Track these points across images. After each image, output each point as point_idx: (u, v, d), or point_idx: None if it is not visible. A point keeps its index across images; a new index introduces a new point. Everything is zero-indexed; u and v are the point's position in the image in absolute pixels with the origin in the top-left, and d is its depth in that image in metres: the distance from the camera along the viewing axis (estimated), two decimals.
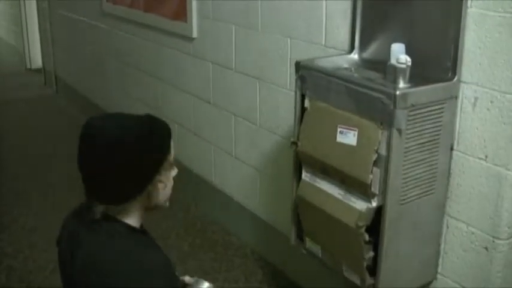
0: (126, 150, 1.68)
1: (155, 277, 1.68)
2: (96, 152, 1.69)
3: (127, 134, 1.70)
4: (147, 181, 1.74)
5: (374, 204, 2.29)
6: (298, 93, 2.60)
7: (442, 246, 2.54)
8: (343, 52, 2.84)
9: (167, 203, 1.86)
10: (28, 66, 9.09)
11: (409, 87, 2.21)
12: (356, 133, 2.29)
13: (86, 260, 1.72)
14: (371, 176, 2.25)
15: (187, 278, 2.11)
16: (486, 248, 2.37)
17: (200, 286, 2.08)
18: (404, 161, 2.23)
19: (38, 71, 8.71)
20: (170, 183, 1.83)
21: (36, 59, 8.83)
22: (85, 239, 1.76)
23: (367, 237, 2.33)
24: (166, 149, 1.79)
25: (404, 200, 2.29)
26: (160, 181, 1.77)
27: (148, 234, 1.89)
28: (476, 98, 2.30)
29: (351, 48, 2.77)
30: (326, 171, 2.48)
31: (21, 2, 8.77)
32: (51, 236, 4.07)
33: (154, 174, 1.75)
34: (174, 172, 1.84)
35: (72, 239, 1.80)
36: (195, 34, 4.16)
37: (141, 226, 1.86)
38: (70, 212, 1.90)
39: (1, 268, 3.85)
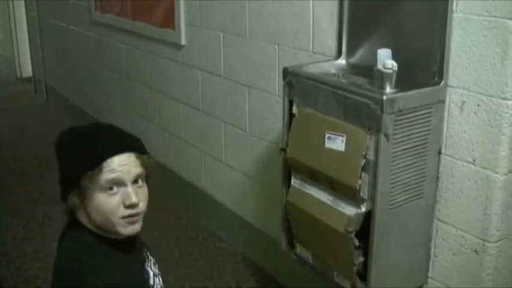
0: (59, 155, 1.83)
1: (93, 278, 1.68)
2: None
3: (62, 137, 1.83)
4: (65, 190, 1.77)
5: (363, 209, 2.29)
6: (286, 100, 2.60)
7: (432, 250, 2.54)
8: (330, 58, 2.85)
9: (120, 229, 1.76)
10: (18, 75, 9.07)
11: (396, 92, 2.22)
12: (344, 139, 2.30)
13: (54, 266, 1.78)
14: (359, 182, 2.25)
15: None
16: (476, 251, 2.37)
17: None
18: (392, 165, 2.23)
19: (28, 79, 8.69)
20: (102, 207, 1.72)
21: (27, 68, 8.82)
22: (59, 242, 1.85)
23: (356, 242, 2.34)
24: (88, 166, 1.70)
25: (393, 204, 2.29)
26: (78, 196, 1.73)
27: (130, 248, 1.88)
28: (463, 102, 2.31)
29: (338, 54, 2.78)
30: (315, 177, 2.48)
31: (11, 11, 8.75)
32: (42, 246, 4.10)
33: (71, 187, 1.74)
34: (125, 201, 1.73)
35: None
36: (183, 41, 4.16)
37: (128, 237, 1.85)
38: None
39: None
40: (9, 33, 8.97)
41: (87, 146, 1.74)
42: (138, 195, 1.75)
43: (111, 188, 1.71)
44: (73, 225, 1.81)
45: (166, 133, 4.63)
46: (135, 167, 1.75)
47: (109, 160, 1.71)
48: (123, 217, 1.73)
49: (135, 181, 1.75)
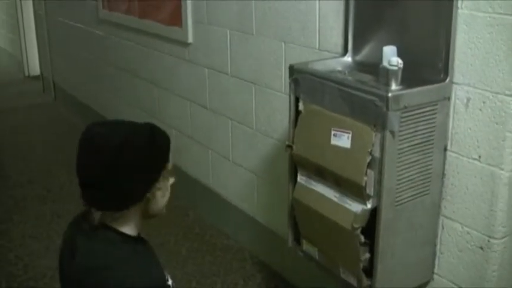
0: (126, 158, 1.68)
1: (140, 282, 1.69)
2: (95, 158, 1.69)
3: (128, 141, 1.71)
4: (146, 189, 1.74)
5: (369, 206, 2.30)
6: (293, 97, 2.61)
7: (438, 246, 2.55)
8: (336, 55, 2.86)
9: (164, 210, 1.87)
10: (26, 74, 9.10)
11: (402, 89, 2.22)
12: (350, 135, 2.30)
13: (82, 266, 1.73)
14: (365, 178, 2.26)
15: None
16: (481, 248, 2.38)
17: None
18: (398, 162, 2.24)
19: (36, 78, 8.72)
20: (168, 192, 1.84)
21: (34, 66, 8.85)
22: (82, 246, 1.77)
23: (362, 238, 2.34)
24: (166, 158, 1.80)
25: (399, 201, 2.30)
26: (159, 189, 1.78)
27: (146, 243, 1.91)
28: (468, 99, 2.31)
29: (344, 51, 2.78)
30: (321, 173, 2.49)
31: (18, 10, 8.78)
32: (50, 243, 4.13)
33: (154, 183, 1.76)
34: (172, 180, 1.85)
35: (70, 248, 1.80)
36: (190, 39, 4.17)
37: (139, 235, 1.88)
38: (70, 222, 1.91)
39: (1, 275, 3.86)
40: (17, 32, 9.00)
41: (152, 142, 1.77)
42: None
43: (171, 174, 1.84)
44: (98, 227, 1.77)
45: (173, 130, 4.64)
46: None
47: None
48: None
49: None
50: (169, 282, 1.93)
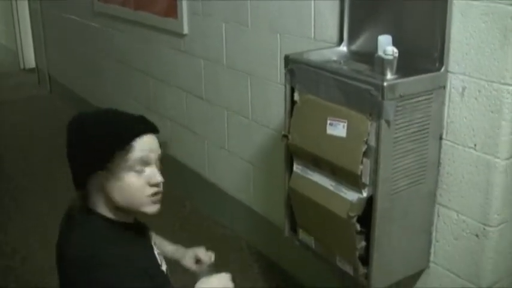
0: (79, 138, 1.79)
1: (110, 271, 1.68)
2: (67, 135, 1.83)
3: (91, 122, 1.80)
4: (87, 172, 1.77)
5: (365, 194, 2.31)
6: (288, 87, 2.62)
7: (434, 234, 2.56)
8: (332, 45, 2.86)
9: (144, 208, 1.81)
10: (21, 66, 9.08)
11: (397, 79, 2.23)
12: (345, 125, 2.31)
13: (59, 253, 1.80)
14: (361, 167, 2.27)
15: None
16: (477, 236, 2.39)
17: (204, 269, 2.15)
18: (394, 151, 2.25)
19: (31, 70, 8.70)
20: (129, 186, 1.77)
21: (30, 59, 8.82)
22: (63, 232, 1.84)
23: (358, 227, 2.36)
24: (116, 147, 1.74)
25: (394, 190, 2.31)
26: (105, 178, 1.75)
27: (142, 231, 1.91)
28: (464, 88, 2.32)
29: (340, 41, 2.79)
30: (317, 163, 2.50)
31: (13, 2, 8.76)
32: (48, 236, 4.11)
33: (96, 168, 1.75)
34: (150, 180, 1.79)
35: (59, 235, 1.86)
36: (185, 30, 4.17)
37: (134, 221, 1.89)
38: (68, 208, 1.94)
39: None
40: (12, 24, 8.98)
41: (116, 126, 1.78)
42: (162, 175, 1.82)
43: (138, 168, 1.76)
44: (81, 211, 1.82)
45: (169, 121, 4.65)
46: (158, 148, 1.83)
47: (139, 139, 1.76)
48: (149, 196, 1.79)
49: (157, 162, 1.82)
50: (164, 267, 1.94)
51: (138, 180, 1.77)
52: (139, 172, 1.77)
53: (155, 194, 1.81)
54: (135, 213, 1.84)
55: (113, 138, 1.75)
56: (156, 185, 1.80)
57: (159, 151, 1.83)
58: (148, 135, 1.80)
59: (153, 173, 1.79)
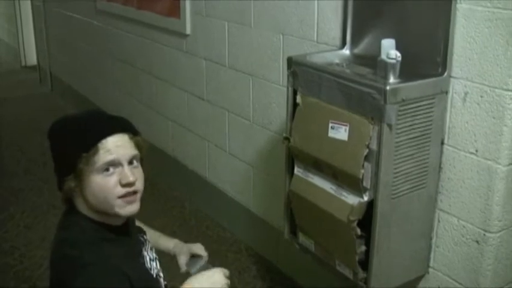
0: (50, 142, 1.83)
1: (90, 272, 1.68)
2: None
3: (59, 125, 1.84)
4: (62, 174, 1.79)
5: (366, 198, 2.31)
6: (290, 89, 2.61)
7: (434, 240, 2.56)
8: (334, 48, 2.86)
9: (118, 210, 1.78)
10: (23, 64, 9.08)
11: (400, 83, 2.22)
12: (347, 128, 2.31)
13: (51, 255, 1.80)
14: (362, 171, 2.26)
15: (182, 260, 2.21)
16: (477, 242, 2.38)
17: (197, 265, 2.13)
18: (395, 155, 2.24)
19: (33, 68, 8.69)
20: (100, 188, 1.75)
21: (31, 56, 8.83)
22: (55, 238, 1.85)
23: (359, 231, 2.35)
24: (83, 149, 1.73)
25: (395, 194, 2.31)
26: (77, 179, 1.75)
27: (122, 231, 1.90)
28: (466, 93, 2.31)
29: (343, 44, 2.78)
30: (318, 166, 2.49)
31: (16, 0, 8.76)
32: (46, 234, 4.12)
33: (68, 170, 1.76)
34: (121, 180, 1.77)
35: None
36: (188, 31, 4.17)
37: (125, 223, 1.89)
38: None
39: None
40: (14, 22, 8.98)
41: (80, 130, 1.78)
42: (134, 174, 1.78)
43: (107, 169, 1.75)
44: (69, 213, 1.84)
45: (170, 122, 4.65)
46: (129, 147, 1.79)
47: (104, 141, 1.75)
48: (120, 196, 1.77)
49: (130, 162, 1.79)
50: (148, 265, 1.93)
51: (107, 181, 1.75)
52: (109, 173, 1.76)
53: (128, 194, 1.78)
54: (114, 215, 1.81)
55: (77, 142, 1.75)
56: (127, 185, 1.77)
57: (132, 151, 1.80)
58: (116, 136, 1.78)
59: (123, 174, 1.77)
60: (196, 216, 4.43)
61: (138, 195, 1.81)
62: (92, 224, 1.80)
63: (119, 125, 1.82)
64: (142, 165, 1.86)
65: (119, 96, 5.70)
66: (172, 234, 4.08)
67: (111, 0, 5.38)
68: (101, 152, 1.73)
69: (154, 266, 1.98)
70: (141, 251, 1.95)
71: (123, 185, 1.76)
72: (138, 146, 1.83)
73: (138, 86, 5.24)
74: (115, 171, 1.76)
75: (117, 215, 1.80)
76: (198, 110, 4.29)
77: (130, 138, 1.82)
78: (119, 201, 1.77)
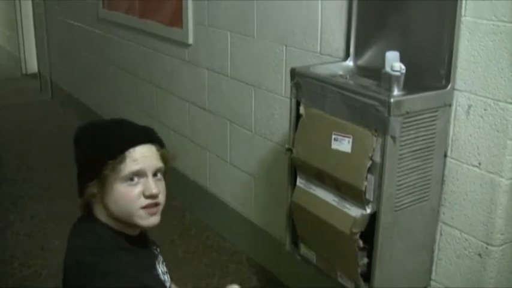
0: (76, 148, 1.81)
1: (108, 280, 1.66)
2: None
3: (86, 131, 1.83)
4: (84, 182, 1.77)
5: (368, 210, 2.30)
6: (294, 100, 2.61)
7: (436, 252, 2.55)
8: (338, 59, 2.86)
9: (140, 221, 1.78)
10: (24, 72, 9.08)
11: (404, 95, 2.22)
12: (351, 140, 2.30)
13: (67, 265, 1.76)
14: (365, 183, 2.26)
15: None
16: (480, 255, 2.38)
17: None
18: (399, 168, 2.24)
19: (33, 76, 8.70)
20: (123, 197, 1.75)
21: (32, 64, 8.84)
22: (68, 240, 1.83)
23: (361, 243, 2.34)
24: (108, 157, 1.72)
25: (398, 206, 2.30)
26: (98, 188, 1.74)
27: (145, 244, 1.90)
28: (470, 106, 2.31)
29: (346, 56, 2.79)
30: (321, 177, 2.49)
31: (17, 7, 8.78)
32: (46, 242, 4.11)
33: (91, 178, 1.74)
34: (145, 191, 1.76)
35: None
36: (190, 40, 4.17)
37: (140, 234, 1.88)
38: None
39: None
40: (16, 29, 8.99)
41: (109, 136, 1.77)
42: (158, 187, 1.78)
43: (131, 179, 1.74)
44: (86, 220, 1.82)
45: (171, 131, 4.64)
46: (156, 159, 1.79)
47: (132, 150, 1.74)
48: (143, 207, 1.76)
49: (154, 174, 1.79)
50: (162, 278, 1.93)
51: (131, 191, 1.75)
52: (133, 183, 1.75)
53: (150, 205, 1.78)
54: (133, 225, 1.81)
55: (104, 148, 1.74)
56: (151, 196, 1.76)
57: (158, 163, 1.79)
58: (144, 146, 1.78)
59: (147, 185, 1.76)
60: (196, 226, 4.42)
61: (160, 208, 1.81)
62: (109, 232, 1.79)
63: (148, 136, 1.82)
64: (165, 179, 1.85)
65: (120, 104, 5.70)
66: (172, 244, 4.11)
67: (113, 8, 5.39)
68: (128, 160, 1.73)
69: (166, 279, 1.97)
70: (155, 263, 1.94)
71: (147, 197, 1.75)
72: (163, 158, 1.83)
73: (139, 95, 5.24)
74: (139, 181, 1.75)
75: (137, 226, 1.80)
76: (199, 120, 4.29)
77: (158, 150, 1.82)
78: (141, 211, 1.76)
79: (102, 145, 1.76)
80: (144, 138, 1.79)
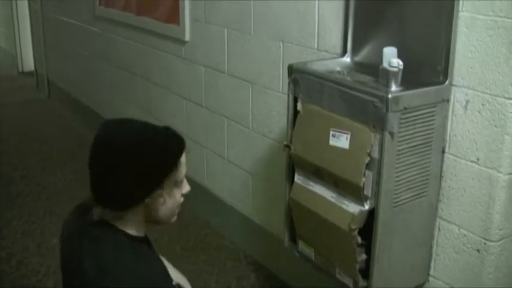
0: (128, 159, 1.67)
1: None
2: (102, 154, 1.70)
3: (135, 142, 1.70)
4: (146, 193, 1.71)
5: (367, 207, 2.30)
6: (291, 97, 2.61)
7: (434, 248, 2.55)
8: (335, 55, 2.86)
9: (173, 219, 1.85)
10: (20, 70, 9.06)
11: (401, 91, 2.22)
12: (348, 136, 2.30)
13: (98, 271, 1.69)
14: (364, 179, 2.26)
15: None
16: (478, 250, 2.38)
17: None
18: (397, 164, 2.24)
19: (30, 74, 8.68)
20: (173, 201, 1.79)
21: (29, 62, 8.81)
22: (91, 249, 1.74)
23: (359, 239, 2.34)
24: (173, 165, 1.74)
25: (396, 202, 2.30)
26: (161, 196, 1.73)
27: (150, 244, 1.90)
28: (467, 101, 2.31)
29: (343, 52, 2.78)
30: (319, 174, 2.49)
31: (13, 5, 8.75)
32: (43, 240, 4.11)
33: (154, 188, 1.72)
34: (182, 190, 1.82)
35: (75, 245, 1.78)
36: (187, 37, 4.16)
37: (145, 235, 1.86)
38: (72, 210, 1.91)
39: None
40: (12, 27, 8.96)
41: (162, 147, 1.75)
42: None
43: (181, 182, 1.80)
44: (106, 227, 1.76)
45: None
46: None
47: (182, 157, 1.78)
48: (178, 206, 1.84)
49: None
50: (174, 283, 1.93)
51: (179, 192, 1.81)
52: (183, 185, 1.82)
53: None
54: (159, 225, 1.86)
55: (163, 160, 1.73)
56: (186, 194, 1.85)
57: None
58: (185, 149, 1.82)
59: (184, 184, 1.83)
60: (194, 223, 4.41)
61: None
62: (128, 239, 1.76)
63: (183, 139, 1.84)
64: None
65: (117, 102, 5.69)
66: (170, 241, 4.10)
67: (110, 6, 5.38)
68: (182, 166, 1.78)
69: None
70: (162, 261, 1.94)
71: (183, 195, 1.83)
72: None
73: (136, 92, 5.24)
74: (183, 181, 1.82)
75: (158, 225, 1.85)
76: (196, 117, 4.28)
77: None
78: (178, 209, 1.85)
79: (160, 158, 1.73)
80: (184, 142, 1.82)
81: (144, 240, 1.85)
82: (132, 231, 1.78)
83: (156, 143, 1.73)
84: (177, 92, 4.49)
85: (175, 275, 2.25)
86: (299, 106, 2.56)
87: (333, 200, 2.43)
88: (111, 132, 1.74)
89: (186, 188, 1.83)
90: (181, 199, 1.83)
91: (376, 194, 2.25)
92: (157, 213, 1.78)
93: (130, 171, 1.68)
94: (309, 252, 2.67)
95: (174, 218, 1.86)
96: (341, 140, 2.33)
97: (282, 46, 3.27)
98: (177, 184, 1.78)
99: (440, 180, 2.46)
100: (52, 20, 7.20)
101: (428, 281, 2.61)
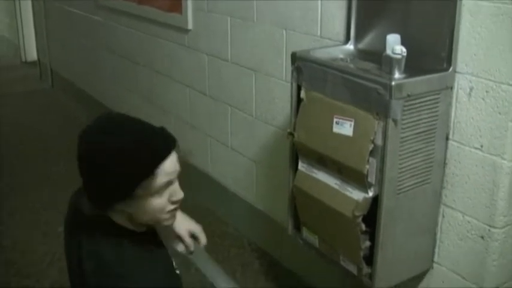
0: (97, 162, 1.64)
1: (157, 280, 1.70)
2: (81, 153, 1.68)
3: (108, 150, 1.64)
4: (115, 201, 1.68)
5: (371, 194, 2.30)
6: (294, 84, 2.60)
7: (438, 235, 2.55)
8: (338, 43, 2.85)
9: (165, 222, 1.79)
10: (23, 60, 9.06)
11: (405, 78, 2.21)
12: (352, 123, 2.30)
13: (95, 269, 1.70)
14: (367, 166, 2.26)
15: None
16: (482, 237, 2.38)
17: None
18: (401, 151, 2.24)
19: (33, 63, 8.68)
20: (153, 208, 1.70)
21: (32, 52, 8.81)
22: (90, 250, 1.74)
23: (363, 227, 2.35)
24: (144, 176, 1.64)
25: (400, 189, 2.30)
26: (134, 204, 1.68)
27: (156, 235, 1.90)
28: (471, 88, 2.31)
29: (347, 39, 2.77)
30: (323, 161, 2.49)
31: None
32: (48, 229, 4.12)
33: (123, 197, 1.66)
34: (172, 197, 1.73)
35: (75, 245, 1.78)
36: (190, 26, 4.16)
37: (148, 228, 1.85)
38: (73, 194, 1.92)
39: None
40: (15, 16, 8.95)
41: (137, 154, 1.65)
42: (181, 189, 1.77)
43: (162, 190, 1.70)
44: (108, 223, 1.76)
45: (172, 117, 4.64)
46: (178, 164, 1.74)
47: (161, 165, 1.67)
48: (169, 211, 1.75)
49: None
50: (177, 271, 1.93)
51: (160, 201, 1.70)
52: (162, 193, 1.71)
53: (175, 209, 1.78)
54: (152, 225, 1.84)
55: (136, 169, 1.63)
56: (177, 201, 1.76)
57: (178, 167, 1.75)
58: (172, 155, 1.71)
59: (175, 191, 1.74)
60: (198, 211, 4.39)
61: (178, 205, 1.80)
62: (129, 234, 1.76)
63: (171, 144, 1.74)
64: None
65: (120, 91, 5.69)
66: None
67: None
68: (159, 176, 1.66)
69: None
70: (170, 257, 1.92)
71: (174, 202, 1.74)
72: (179, 159, 1.78)
73: (139, 81, 5.24)
74: (168, 188, 1.72)
75: (161, 225, 1.82)
76: (200, 105, 4.28)
77: (177, 153, 1.75)
78: (167, 215, 1.76)
79: (132, 166, 1.64)
80: (169, 148, 1.72)
81: (146, 234, 1.83)
82: (130, 227, 1.77)
83: (128, 152, 1.64)
84: (180, 80, 4.49)
85: (187, 224, 2.33)
86: (302, 94, 2.55)
87: (336, 187, 2.44)
88: (89, 141, 1.68)
89: (177, 195, 1.74)
90: (170, 206, 1.74)
91: (380, 181, 2.25)
92: (138, 218, 1.74)
93: (97, 181, 1.66)
94: (313, 239, 2.68)
95: (168, 222, 1.79)
96: (345, 127, 2.32)
97: (285, 34, 3.26)
98: (158, 192, 1.69)
99: (444, 167, 2.46)
100: (55, 10, 7.19)
101: (432, 268, 2.61)
